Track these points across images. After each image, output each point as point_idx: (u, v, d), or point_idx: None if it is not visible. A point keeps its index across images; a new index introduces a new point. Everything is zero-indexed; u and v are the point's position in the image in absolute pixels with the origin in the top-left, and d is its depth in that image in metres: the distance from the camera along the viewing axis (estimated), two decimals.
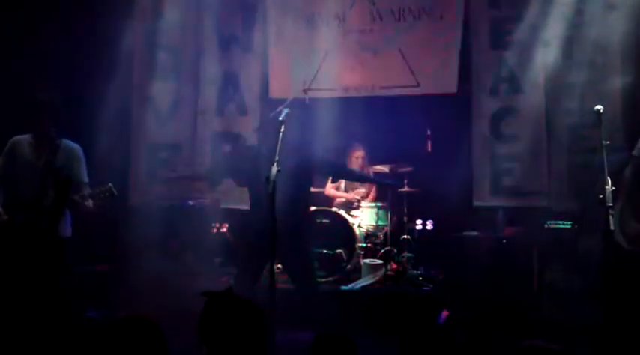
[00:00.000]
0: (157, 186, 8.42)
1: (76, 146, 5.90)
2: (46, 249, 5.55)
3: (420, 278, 8.03)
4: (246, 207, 7.03)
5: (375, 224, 8.48)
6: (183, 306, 6.81)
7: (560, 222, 7.26)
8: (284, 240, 5.62)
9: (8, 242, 5.56)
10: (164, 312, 5.56)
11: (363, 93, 8.62)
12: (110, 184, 5.68)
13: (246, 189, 6.56)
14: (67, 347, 3.04)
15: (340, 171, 6.52)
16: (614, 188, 4.92)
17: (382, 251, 8.30)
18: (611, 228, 4.84)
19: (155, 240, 7.43)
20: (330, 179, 8.65)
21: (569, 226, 7.13)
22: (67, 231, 5.81)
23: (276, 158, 5.20)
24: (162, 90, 8.54)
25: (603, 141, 5.10)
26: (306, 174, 6.27)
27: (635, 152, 5.52)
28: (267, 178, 5.29)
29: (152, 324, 2.95)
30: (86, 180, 5.87)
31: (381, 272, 7.95)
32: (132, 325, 2.92)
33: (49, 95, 5.79)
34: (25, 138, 5.83)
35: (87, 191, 5.68)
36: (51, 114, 5.73)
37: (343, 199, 8.76)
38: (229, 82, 8.73)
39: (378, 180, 7.46)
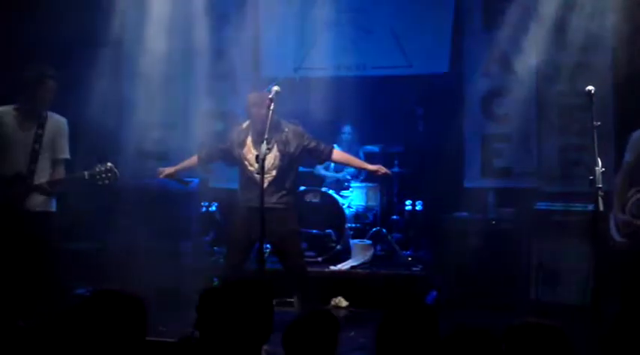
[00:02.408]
0: (148, 165, 8.39)
1: (62, 119, 5.81)
2: (31, 224, 5.52)
3: (410, 259, 8.05)
4: (235, 185, 7.03)
5: (364, 204, 8.47)
6: (171, 285, 6.86)
7: (550, 204, 7.27)
8: (273, 220, 5.65)
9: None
10: (152, 290, 5.60)
11: (355, 73, 8.58)
12: (110, 163, 5.59)
13: (235, 169, 6.53)
14: (53, 324, 3.01)
15: (327, 158, 6.41)
16: (603, 169, 4.91)
17: (372, 231, 8.29)
18: (601, 209, 4.83)
19: (144, 219, 7.40)
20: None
21: (560, 207, 7.14)
22: (52, 205, 5.74)
23: (266, 136, 5.18)
24: (152, 68, 8.46)
25: (594, 122, 5.08)
26: (297, 151, 6.18)
27: (626, 158, 5.50)
28: (257, 157, 5.27)
29: (130, 298, 2.93)
30: (68, 156, 5.79)
31: (370, 253, 7.95)
32: (109, 298, 2.90)
33: (45, 69, 5.67)
34: (7, 109, 5.70)
35: (86, 171, 5.59)
36: (45, 89, 5.62)
37: (333, 179, 8.74)
38: (221, 60, 8.66)
39: (363, 167, 7.41)
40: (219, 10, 8.65)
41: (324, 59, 8.49)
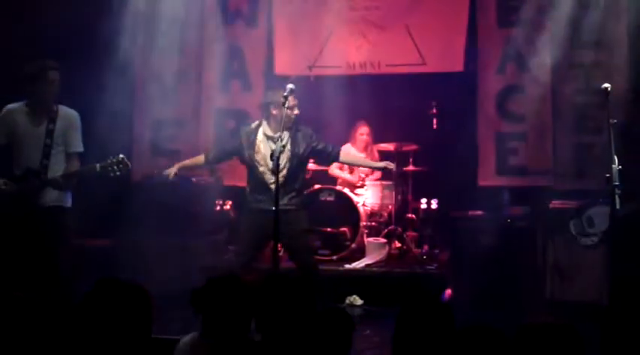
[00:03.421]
0: (160, 162, 8.41)
1: (74, 113, 5.82)
2: (45, 219, 5.55)
3: (424, 257, 8.03)
4: None
5: (379, 202, 8.46)
6: (185, 282, 6.87)
7: (565, 202, 7.24)
8: (284, 221, 5.65)
9: (8, 212, 5.54)
10: (166, 288, 5.61)
11: (369, 71, 8.54)
12: (122, 155, 5.60)
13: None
14: (64, 319, 3.02)
15: (335, 159, 6.56)
16: (620, 167, 4.88)
17: (386, 229, 8.28)
18: (617, 207, 4.81)
19: (158, 216, 7.42)
20: None
21: (575, 206, 7.11)
22: (68, 201, 5.77)
23: (279, 134, 5.18)
24: (165, 66, 8.48)
25: (610, 120, 5.05)
26: (306, 152, 6.26)
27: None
28: (272, 155, 5.27)
29: (135, 287, 2.93)
30: (81, 149, 5.81)
31: (385, 251, 7.94)
32: (113, 287, 2.90)
33: (45, 62, 5.69)
34: (18, 106, 5.74)
35: (98, 164, 5.61)
36: (47, 81, 5.63)
37: (347, 179, 8.73)
38: (234, 58, 8.66)
39: (373, 166, 7.42)
40: (231, 7, 8.66)
41: (338, 57, 8.47)
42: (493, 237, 7.24)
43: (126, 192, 7.71)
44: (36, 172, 5.57)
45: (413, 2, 8.36)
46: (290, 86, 5.43)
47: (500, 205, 7.78)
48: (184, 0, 8.38)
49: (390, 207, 8.39)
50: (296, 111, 6.10)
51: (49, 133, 5.63)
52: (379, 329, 6.07)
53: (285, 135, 5.96)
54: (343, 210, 8.10)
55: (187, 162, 6.61)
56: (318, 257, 7.88)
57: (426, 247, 8.36)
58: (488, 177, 8.10)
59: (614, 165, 4.86)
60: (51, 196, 5.63)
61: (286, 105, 5.62)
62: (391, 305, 6.64)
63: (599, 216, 6.73)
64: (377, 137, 8.76)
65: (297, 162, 6.17)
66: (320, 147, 6.30)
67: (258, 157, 6.09)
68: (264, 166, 6.02)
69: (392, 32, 8.40)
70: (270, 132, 6.13)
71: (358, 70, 8.54)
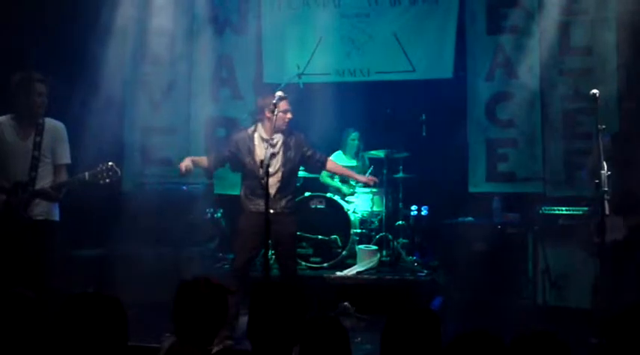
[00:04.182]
0: (151, 171, 8.41)
1: (60, 125, 5.80)
2: (33, 232, 5.53)
3: (415, 264, 8.04)
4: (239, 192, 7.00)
5: (369, 210, 8.46)
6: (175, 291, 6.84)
7: (555, 208, 7.26)
8: (279, 223, 5.85)
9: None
10: (157, 297, 5.58)
11: (359, 78, 8.57)
12: (111, 162, 5.56)
13: (239, 175, 6.55)
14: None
15: (322, 167, 6.70)
16: (609, 172, 4.90)
17: (377, 237, 8.28)
18: (607, 212, 4.82)
19: (149, 225, 7.40)
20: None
21: (564, 212, 7.12)
22: (56, 215, 5.75)
23: (266, 137, 5.20)
24: (155, 74, 8.48)
25: (599, 126, 5.07)
26: (297, 158, 6.38)
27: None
28: (262, 162, 5.27)
29: (107, 299, 2.94)
30: (69, 161, 5.79)
31: (376, 258, 7.94)
32: (85, 301, 2.91)
33: (32, 74, 5.67)
34: (5, 118, 5.71)
35: (87, 172, 5.58)
36: (33, 93, 5.61)
37: (337, 187, 8.73)
38: (223, 66, 8.67)
39: (357, 179, 7.39)
40: (220, 17, 8.66)
41: (328, 65, 8.48)
42: (484, 243, 7.25)
43: (116, 201, 7.69)
44: (24, 185, 5.54)
45: (402, 10, 8.38)
46: (279, 94, 5.45)
47: (491, 212, 7.78)
48: (174, 9, 8.39)
49: (380, 214, 8.39)
50: (289, 115, 6.21)
51: (37, 145, 5.59)
52: (370, 336, 6.07)
53: (279, 138, 6.15)
54: (334, 217, 8.10)
55: (197, 158, 6.60)
56: (309, 264, 7.89)
57: (416, 254, 8.36)
58: (478, 184, 8.12)
59: (602, 172, 4.88)
60: (39, 209, 5.61)
61: (276, 112, 5.68)
62: (382, 312, 6.65)
63: None
64: (367, 144, 8.77)
65: (290, 167, 6.32)
66: (309, 153, 6.46)
67: (257, 161, 6.08)
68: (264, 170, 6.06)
69: (381, 39, 8.43)
70: (265, 135, 6.21)
71: (348, 78, 8.56)
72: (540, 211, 7.30)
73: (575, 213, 7.04)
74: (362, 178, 7.08)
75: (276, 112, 5.53)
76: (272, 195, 5.99)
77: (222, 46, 8.66)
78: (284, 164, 6.26)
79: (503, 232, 7.46)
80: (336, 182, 8.75)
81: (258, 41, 8.73)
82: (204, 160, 6.57)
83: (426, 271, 7.81)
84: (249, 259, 6.32)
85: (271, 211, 5.70)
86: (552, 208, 7.29)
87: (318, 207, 8.15)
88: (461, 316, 6.47)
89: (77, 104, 7.52)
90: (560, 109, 7.76)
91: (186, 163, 6.31)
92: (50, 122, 5.73)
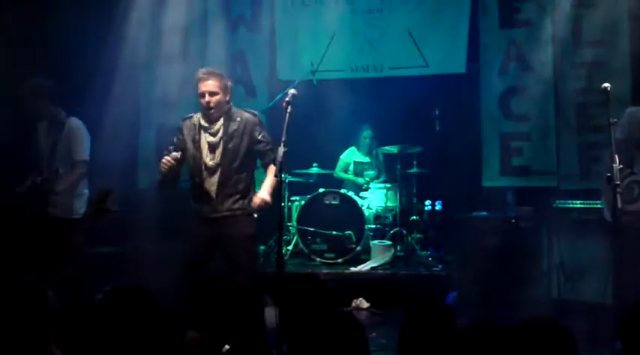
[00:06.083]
0: None
1: (77, 124, 5.96)
2: (55, 230, 5.64)
3: (430, 259, 8.05)
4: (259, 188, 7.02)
5: (384, 205, 8.48)
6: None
7: (569, 202, 7.24)
8: (226, 227, 5.39)
9: (18, 224, 5.64)
10: (173, 294, 5.63)
11: (372, 74, 8.60)
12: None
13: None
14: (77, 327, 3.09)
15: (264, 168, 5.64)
16: (621, 166, 4.89)
17: (391, 232, 8.30)
18: (619, 206, 4.81)
19: (164, 223, 7.45)
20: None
21: (578, 205, 7.11)
22: (81, 211, 5.87)
23: (283, 139, 5.13)
24: (169, 72, 8.52)
25: (611, 120, 5.06)
26: (244, 148, 5.47)
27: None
28: (274, 159, 5.23)
29: (144, 293, 2.99)
30: (83, 157, 5.91)
31: (390, 254, 7.96)
32: (123, 295, 2.96)
33: (35, 82, 5.92)
34: (43, 122, 5.98)
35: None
36: (41, 98, 5.85)
37: (351, 182, 8.76)
38: (237, 63, 8.70)
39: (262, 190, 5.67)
40: (234, 13, 8.70)
41: (341, 61, 8.52)
42: (498, 237, 7.24)
43: (132, 199, 7.75)
44: (42, 185, 5.70)
45: (414, 5, 8.39)
46: (292, 91, 5.40)
47: (505, 206, 7.79)
48: (188, 6, 8.42)
49: (394, 209, 8.41)
50: (212, 99, 5.34)
51: (54, 145, 5.83)
52: (385, 331, 6.08)
53: (220, 125, 5.41)
54: (348, 213, 8.12)
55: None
56: (324, 260, 7.91)
57: (431, 249, 8.38)
58: (492, 178, 8.12)
59: (614, 165, 4.87)
60: (52, 209, 5.81)
61: (289, 109, 5.40)
62: (397, 307, 6.69)
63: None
64: (380, 140, 8.79)
65: (232, 159, 5.40)
66: (257, 147, 5.49)
67: (203, 155, 5.43)
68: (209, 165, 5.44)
69: (394, 35, 8.44)
70: (204, 122, 5.47)
71: (361, 74, 8.58)
72: (554, 205, 7.27)
73: (589, 206, 7.01)
74: (257, 201, 5.43)
75: (289, 109, 5.39)
76: (213, 196, 5.37)
77: (236, 43, 8.70)
78: (223, 155, 5.37)
79: (518, 226, 7.44)
80: (350, 175, 8.78)
81: (272, 38, 8.77)
82: None
83: (440, 266, 7.83)
84: (193, 273, 5.38)
85: (214, 215, 5.33)
86: (566, 202, 7.26)
87: (332, 202, 8.18)
88: (476, 310, 6.48)
89: (93, 103, 7.59)
90: (573, 102, 7.74)
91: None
92: (70, 121, 5.93)
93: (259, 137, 5.48)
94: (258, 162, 5.66)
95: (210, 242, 5.41)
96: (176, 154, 5.34)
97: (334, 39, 8.44)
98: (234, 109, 5.50)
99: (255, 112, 5.61)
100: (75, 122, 5.94)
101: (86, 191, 6.05)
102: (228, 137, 5.38)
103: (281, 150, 5.08)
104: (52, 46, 7.69)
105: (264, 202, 5.37)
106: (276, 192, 5.38)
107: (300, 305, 3.31)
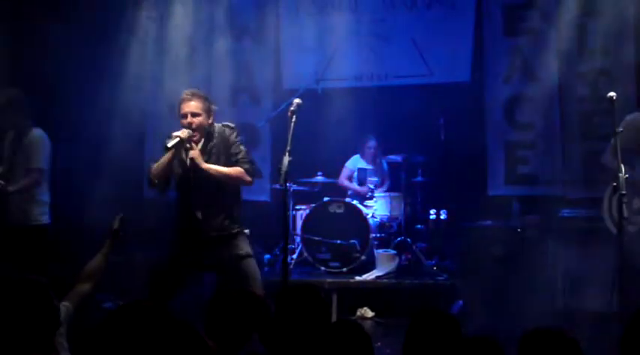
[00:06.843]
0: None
1: (39, 134, 6.01)
2: (12, 237, 5.83)
3: (434, 268, 8.03)
4: (262, 198, 7.01)
5: (388, 214, 8.46)
6: (200, 297, 6.89)
7: (575, 211, 7.22)
8: (216, 248, 5.25)
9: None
10: (181, 303, 5.62)
11: (376, 83, 8.61)
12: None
13: (263, 180, 6.40)
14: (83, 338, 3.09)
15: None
16: (627, 175, 4.88)
17: (396, 241, 8.29)
18: (625, 215, 4.80)
19: (170, 232, 7.44)
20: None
21: (584, 214, 7.09)
22: (40, 218, 5.98)
23: (288, 148, 5.13)
24: (175, 81, 8.53)
25: (616, 128, 5.05)
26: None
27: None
28: (279, 169, 5.22)
29: (155, 308, 2.98)
30: (37, 165, 5.93)
31: (394, 263, 7.94)
32: (135, 310, 2.95)
33: (13, 94, 6.01)
34: (10, 131, 6.07)
35: None
36: (17, 110, 5.96)
37: (355, 191, 8.75)
38: (242, 72, 8.72)
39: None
40: (239, 24, 8.72)
41: (345, 70, 8.54)
42: (503, 246, 7.22)
43: (138, 208, 7.75)
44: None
45: (418, 14, 8.41)
46: (297, 101, 5.39)
47: (510, 215, 7.77)
48: (193, 18, 8.46)
49: (399, 218, 8.39)
50: (193, 120, 5.19)
51: (13, 151, 5.97)
52: (390, 341, 6.07)
53: (204, 143, 5.27)
54: (352, 222, 8.09)
55: None
56: (328, 269, 7.89)
57: (436, 258, 8.36)
58: (497, 187, 8.11)
59: (620, 174, 4.86)
60: (13, 216, 5.91)
61: (294, 119, 5.38)
62: (402, 316, 6.66)
63: None
64: (385, 148, 8.78)
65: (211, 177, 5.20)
66: (232, 157, 5.28)
67: (187, 173, 5.27)
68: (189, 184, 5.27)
69: (398, 44, 8.46)
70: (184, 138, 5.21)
71: (365, 82, 8.60)
72: (560, 214, 7.26)
73: (594, 215, 6.98)
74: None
75: (294, 119, 5.35)
76: (199, 216, 5.20)
77: (241, 52, 8.72)
78: (206, 175, 5.17)
79: (523, 235, 7.42)
80: (354, 184, 8.78)
81: (277, 47, 8.78)
82: None
83: (445, 275, 7.80)
84: (168, 290, 5.24)
85: (201, 235, 5.19)
86: (572, 211, 7.25)
87: (337, 211, 8.15)
88: (480, 320, 6.45)
89: (100, 112, 7.65)
90: (578, 111, 7.74)
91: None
92: (33, 132, 6.00)
93: (233, 150, 5.29)
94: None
95: (195, 259, 5.23)
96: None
97: (338, 48, 8.45)
98: (214, 126, 5.34)
99: (232, 124, 5.39)
100: (37, 132, 6.01)
101: (46, 198, 6.08)
102: (207, 155, 5.23)
103: (286, 159, 5.08)
104: (57, 56, 7.70)
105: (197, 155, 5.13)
106: (282, 200, 5.31)
107: (294, 314, 3.29)
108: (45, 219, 6.03)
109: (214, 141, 5.28)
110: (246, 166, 5.24)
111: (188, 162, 5.24)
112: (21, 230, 5.89)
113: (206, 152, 5.25)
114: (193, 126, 5.19)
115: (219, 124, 5.37)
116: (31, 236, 5.91)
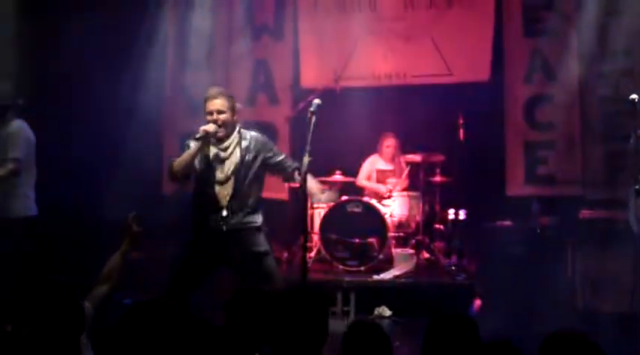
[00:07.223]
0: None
1: (19, 124, 6.04)
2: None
3: (453, 268, 8.01)
4: (283, 196, 7.00)
5: (406, 213, 8.45)
6: (218, 291, 6.92)
7: (595, 211, 7.19)
8: (236, 243, 5.32)
9: None
10: (199, 299, 5.64)
11: (395, 82, 8.60)
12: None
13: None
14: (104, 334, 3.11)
15: (290, 179, 5.67)
16: None
17: (414, 240, 8.28)
18: None
19: (188, 228, 7.48)
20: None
21: (604, 215, 7.05)
22: (23, 210, 6.02)
23: (308, 148, 5.14)
24: (194, 80, 8.57)
25: (638, 130, 5.03)
26: (257, 163, 5.46)
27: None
28: (299, 169, 5.24)
29: (174, 305, 2.98)
30: (14, 155, 5.94)
31: (413, 262, 7.93)
32: (154, 308, 2.95)
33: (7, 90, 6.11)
34: None
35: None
36: (10, 108, 6.02)
37: (373, 190, 8.74)
38: (261, 71, 8.74)
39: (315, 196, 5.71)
40: (258, 22, 8.74)
41: (364, 69, 8.53)
42: (522, 247, 7.21)
43: (157, 205, 7.80)
44: None
45: (438, 13, 8.39)
46: (317, 101, 5.39)
47: (530, 215, 7.74)
48: (212, 16, 8.49)
49: (417, 217, 8.38)
50: (220, 117, 5.32)
51: None
52: (408, 340, 6.07)
53: (233, 138, 5.39)
54: (371, 221, 8.08)
55: None
56: (346, 268, 7.89)
57: (454, 258, 8.31)
58: (516, 187, 8.09)
59: None
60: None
61: (314, 119, 5.39)
62: (420, 316, 6.66)
63: None
64: (404, 148, 8.76)
65: (245, 174, 5.38)
66: (274, 160, 5.50)
67: (213, 168, 5.39)
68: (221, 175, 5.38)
69: (417, 43, 8.45)
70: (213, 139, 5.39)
71: (384, 81, 8.60)
72: (580, 214, 7.23)
73: (614, 216, 6.96)
74: (322, 197, 5.70)
75: (314, 119, 5.36)
76: (224, 207, 5.30)
77: (260, 51, 8.74)
78: (237, 169, 5.35)
79: (542, 236, 7.40)
80: (372, 184, 8.76)
81: (295, 46, 8.80)
82: None
83: (463, 275, 7.78)
84: (192, 285, 5.40)
85: (224, 229, 5.27)
86: (592, 211, 7.22)
87: (355, 210, 8.14)
88: (499, 320, 6.43)
89: (119, 109, 7.69)
90: (599, 111, 7.70)
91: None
92: (14, 123, 6.04)
93: (274, 151, 5.53)
94: None
95: (216, 255, 5.31)
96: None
97: (357, 47, 8.45)
98: (243, 129, 5.49)
99: (262, 134, 5.62)
100: (17, 123, 6.04)
101: (30, 193, 6.10)
102: (243, 151, 5.38)
103: (306, 159, 5.08)
104: (78, 57, 7.76)
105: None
106: (303, 200, 5.38)
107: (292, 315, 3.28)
108: (30, 211, 6.05)
109: (247, 142, 5.42)
110: (296, 164, 5.43)
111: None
112: (5, 223, 5.94)
113: (242, 148, 5.39)
114: (219, 122, 5.31)
115: (246, 130, 5.50)
116: (17, 228, 5.96)
